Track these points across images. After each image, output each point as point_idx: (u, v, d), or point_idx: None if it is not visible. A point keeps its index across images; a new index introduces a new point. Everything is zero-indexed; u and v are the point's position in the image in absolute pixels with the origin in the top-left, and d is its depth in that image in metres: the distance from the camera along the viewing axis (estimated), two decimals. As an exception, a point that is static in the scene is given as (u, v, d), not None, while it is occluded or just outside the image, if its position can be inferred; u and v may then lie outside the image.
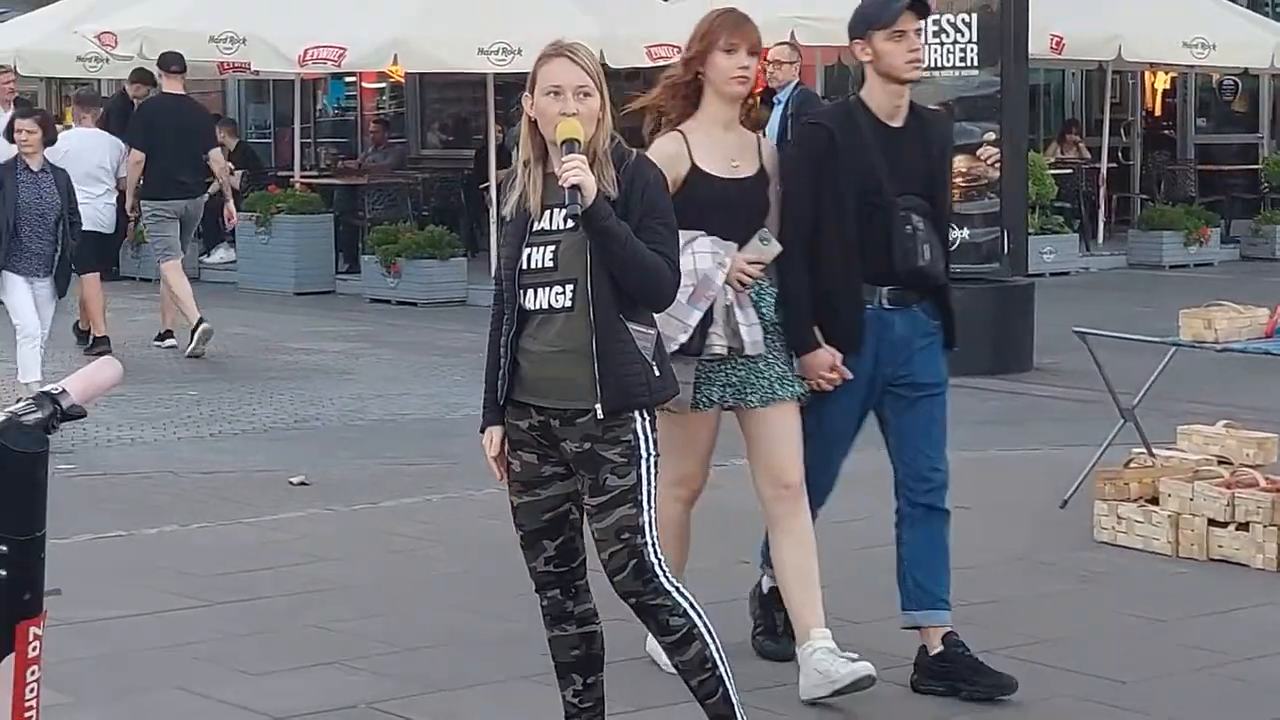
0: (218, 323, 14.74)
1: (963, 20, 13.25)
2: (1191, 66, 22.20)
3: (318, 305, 17.93)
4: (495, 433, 4.97)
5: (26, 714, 3.14)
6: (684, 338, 5.59)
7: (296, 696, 5.94)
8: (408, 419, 11.65)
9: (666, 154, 5.69)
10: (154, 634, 6.68)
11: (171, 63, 15.78)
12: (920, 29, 5.89)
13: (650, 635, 5.50)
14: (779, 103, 13.09)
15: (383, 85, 25.66)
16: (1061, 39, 19.71)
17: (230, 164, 21.01)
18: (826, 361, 5.80)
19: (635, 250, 4.76)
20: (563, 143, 4.72)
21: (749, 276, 5.72)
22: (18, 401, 3.21)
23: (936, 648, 5.95)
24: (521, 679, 5.96)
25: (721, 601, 6.02)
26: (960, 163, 11.94)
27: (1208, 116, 26.01)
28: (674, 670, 4.97)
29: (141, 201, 15.06)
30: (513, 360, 4.87)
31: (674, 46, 18.32)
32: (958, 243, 12.21)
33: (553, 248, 4.83)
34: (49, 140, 11.92)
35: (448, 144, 24.67)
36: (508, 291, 4.90)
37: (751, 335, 5.71)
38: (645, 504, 4.82)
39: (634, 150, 4.94)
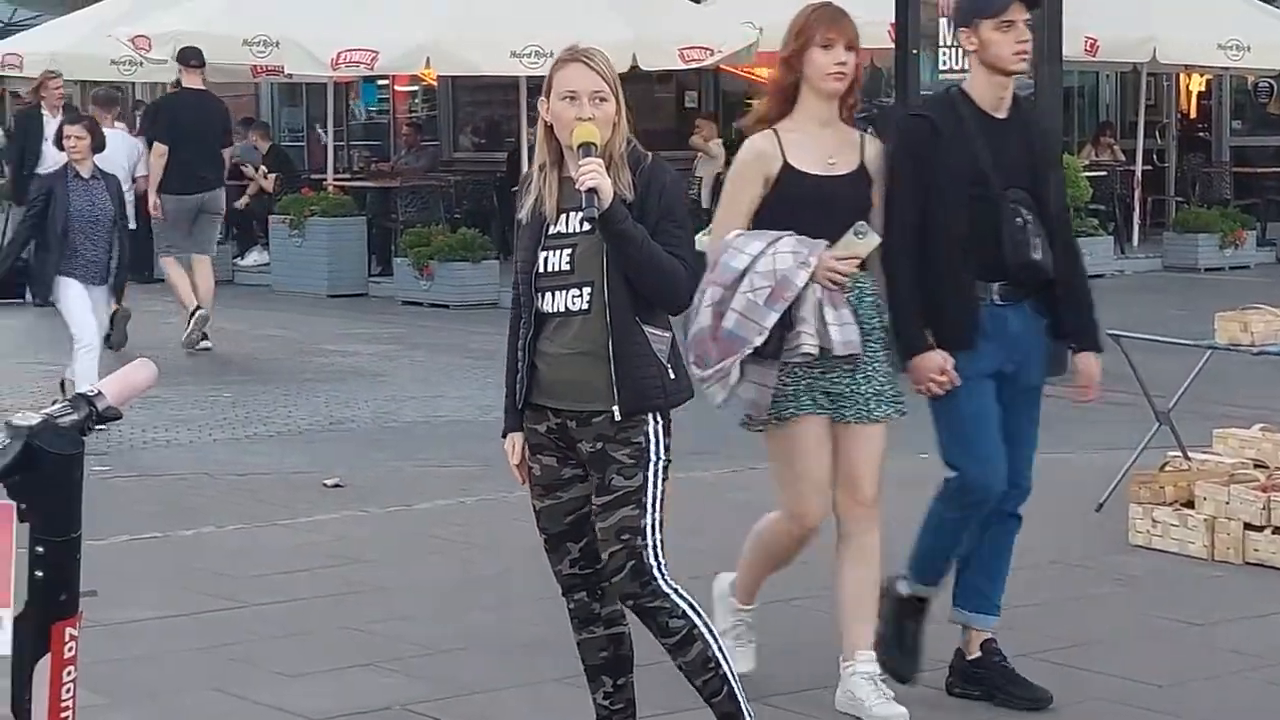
0: (252, 326, 14.76)
1: (997, 22, 13.18)
2: (1226, 68, 22.09)
3: (351, 307, 17.95)
4: (516, 439, 4.99)
5: (63, 714, 3.15)
6: (759, 340, 5.37)
7: (330, 698, 5.96)
8: (441, 421, 11.65)
9: (757, 151, 5.58)
10: (189, 635, 6.70)
11: (191, 58, 15.85)
12: (1030, 20, 5.66)
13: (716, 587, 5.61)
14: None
15: (415, 88, 25.68)
16: (1096, 41, 19.62)
17: (264, 166, 21.15)
18: (936, 364, 5.57)
19: (651, 253, 4.76)
20: (579, 146, 4.73)
21: (839, 274, 5.48)
22: (54, 403, 3.22)
23: (975, 653, 5.92)
24: (554, 681, 5.96)
25: (769, 603, 6.07)
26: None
27: (1243, 119, 25.88)
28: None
29: (160, 195, 15.15)
30: (530, 363, 4.89)
31: (706, 49, 18.34)
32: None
33: (569, 251, 4.84)
34: (98, 146, 11.61)
35: (480, 147, 24.67)
36: (524, 295, 4.92)
37: (844, 335, 5.47)
38: (650, 507, 4.83)
39: (649, 153, 4.93)
